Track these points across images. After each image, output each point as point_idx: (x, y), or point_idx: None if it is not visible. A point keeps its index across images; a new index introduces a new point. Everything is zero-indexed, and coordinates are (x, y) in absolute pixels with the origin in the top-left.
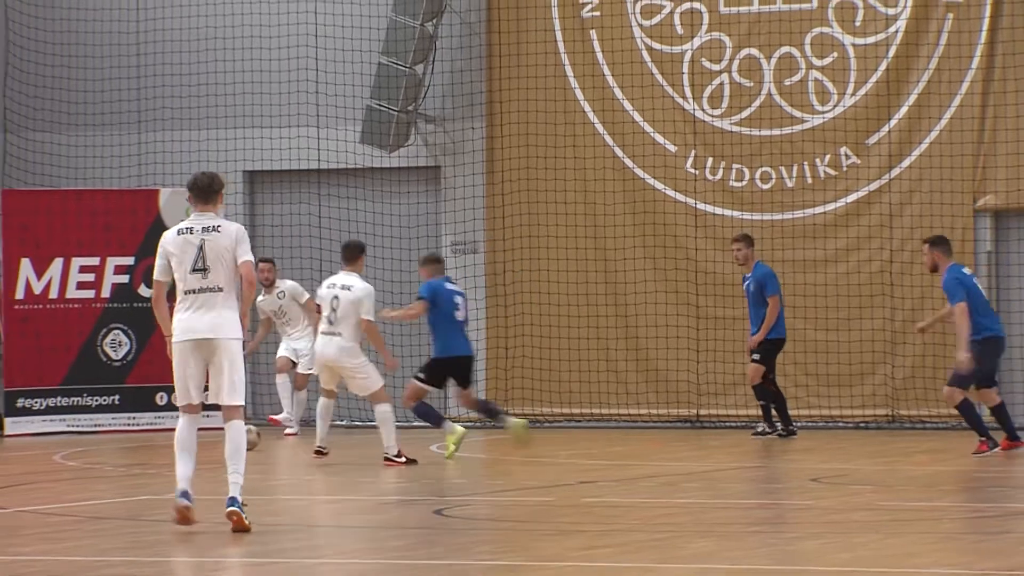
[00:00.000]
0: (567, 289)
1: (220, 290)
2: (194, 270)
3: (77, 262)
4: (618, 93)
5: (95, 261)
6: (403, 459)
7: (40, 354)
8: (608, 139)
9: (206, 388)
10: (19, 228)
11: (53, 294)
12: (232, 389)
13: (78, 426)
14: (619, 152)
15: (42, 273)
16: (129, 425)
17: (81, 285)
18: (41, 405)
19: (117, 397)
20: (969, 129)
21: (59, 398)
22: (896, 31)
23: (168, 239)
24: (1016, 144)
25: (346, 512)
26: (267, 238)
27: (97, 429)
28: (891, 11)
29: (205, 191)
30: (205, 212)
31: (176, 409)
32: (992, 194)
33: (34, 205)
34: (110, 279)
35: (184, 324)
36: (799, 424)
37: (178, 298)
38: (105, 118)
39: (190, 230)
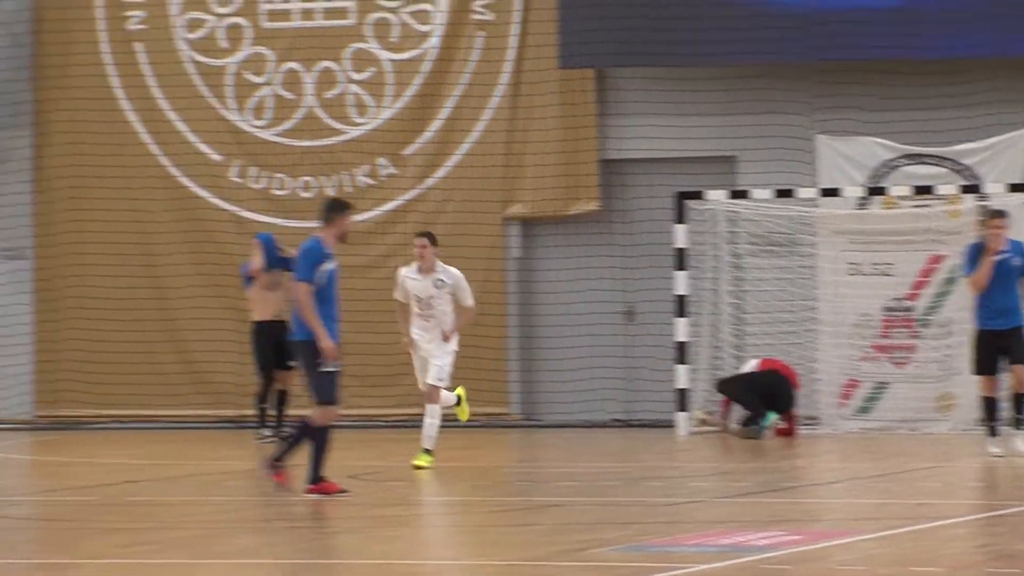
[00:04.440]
0: (114, 294)
1: None
2: None
3: None
4: (164, 104)
5: None
6: None
7: None
8: (154, 148)
9: None
10: None
11: None
12: None
13: None
14: (165, 161)
15: None
16: None
17: None
18: None
19: None
20: (499, 141)
21: None
22: (431, 47)
23: None
24: (541, 156)
25: None
26: None
27: None
28: (425, 28)
29: None
30: None
31: None
32: (520, 203)
33: None
34: None
35: None
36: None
37: None
38: None
39: None
